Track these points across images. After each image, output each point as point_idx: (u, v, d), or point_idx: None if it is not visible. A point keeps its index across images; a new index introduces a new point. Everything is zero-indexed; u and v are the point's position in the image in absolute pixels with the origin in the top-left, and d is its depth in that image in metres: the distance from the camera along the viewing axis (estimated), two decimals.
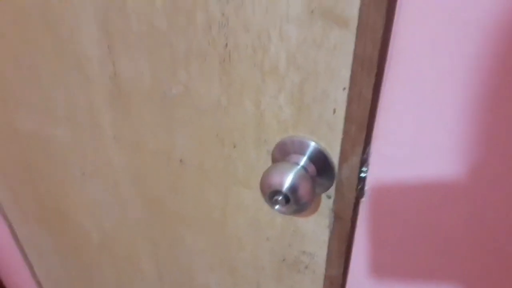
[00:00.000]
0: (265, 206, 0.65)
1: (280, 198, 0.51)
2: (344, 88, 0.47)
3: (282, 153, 0.57)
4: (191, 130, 0.65)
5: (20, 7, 0.68)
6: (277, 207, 0.52)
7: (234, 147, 0.62)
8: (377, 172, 0.52)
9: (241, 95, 0.56)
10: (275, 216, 0.65)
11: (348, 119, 0.49)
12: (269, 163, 0.59)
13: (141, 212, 0.84)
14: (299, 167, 0.52)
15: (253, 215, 0.68)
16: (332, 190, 0.56)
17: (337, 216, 0.58)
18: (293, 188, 0.50)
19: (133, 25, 0.58)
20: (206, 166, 0.67)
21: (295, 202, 0.50)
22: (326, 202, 0.58)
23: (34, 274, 1.27)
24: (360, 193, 0.54)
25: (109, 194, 0.87)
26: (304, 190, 0.51)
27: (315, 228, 0.62)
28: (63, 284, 1.24)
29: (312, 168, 0.54)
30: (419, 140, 0.47)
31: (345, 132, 0.50)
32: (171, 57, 0.58)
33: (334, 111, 0.50)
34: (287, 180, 0.51)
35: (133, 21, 0.58)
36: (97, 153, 0.81)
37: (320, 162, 0.54)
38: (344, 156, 0.52)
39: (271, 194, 0.52)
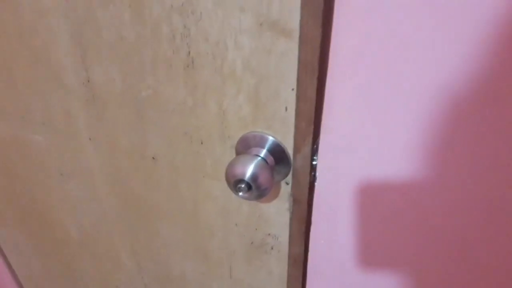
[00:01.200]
0: (233, 195, 0.72)
1: (243, 185, 0.58)
2: (293, 89, 0.55)
3: (244, 147, 0.64)
4: (161, 129, 0.71)
5: None
6: (241, 193, 0.59)
7: (202, 143, 0.69)
8: (326, 159, 0.60)
9: (204, 96, 0.62)
10: (242, 204, 0.72)
11: (298, 115, 0.57)
12: (233, 156, 0.67)
13: (118, 208, 0.90)
14: (259, 158, 0.60)
15: (222, 204, 0.75)
16: (289, 177, 0.64)
17: (295, 200, 0.66)
18: (254, 176, 0.58)
19: (104, 36, 0.64)
20: (177, 162, 0.74)
21: (256, 188, 0.58)
22: (285, 188, 0.66)
23: (14, 275, 1.31)
24: (313, 178, 0.62)
25: (87, 193, 0.92)
26: (263, 178, 0.58)
27: (277, 212, 0.70)
28: (44, 283, 1.28)
29: (270, 159, 0.62)
30: (358, 132, 0.55)
31: (297, 126, 0.58)
32: (140, 64, 0.65)
33: (286, 109, 0.57)
34: (249, 170, 0.58)
35: (104, 33, 0.64)
36: (74, 154, 0.86)
37: (277, 153, 0.62)
38: (297, 147, 0.60)
39: (235, 183, 0.59)
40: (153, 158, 0.76)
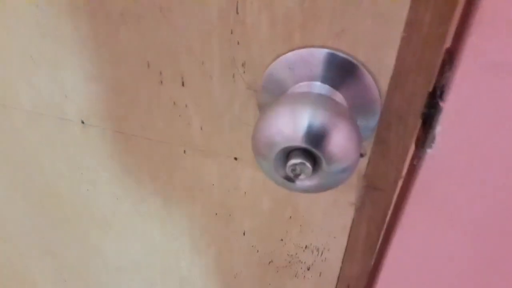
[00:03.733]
0: (241, 183, 0.39)
1: (299, 161, 0.25)
2: None
3: (281, 83, 0.31)
4: (96, 58, 0.36)
5: None
6: (300, 180, 0.26)
7: (183, 84, 0.35)
8: (459, 100, 0.29)
9: None
10: (260, 198, 0.40)
11: None
12: (253, 104, 0.33)
13: (25, 211, 0.53)
14: (328, 97, 0.27)
15: (219, 199, 0.42)
16: (368, 143, 0.32)
17: (371, 187, 0.35)
18: (323, 134, 0.25)
19: None
20: (130, 127, 0.39)
21: (334, 163, 0.25)
22: None
23: None
24: (422, 144, 0.31)
25: None
26: (343, 134, 0.26)
27: (328, 208, 0.38)
28: None
29: (347, 100, 0.30)
30: None
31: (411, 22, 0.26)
32: None
33: None
34: (309, 122, 0.25)
35: None
36: None
37: (355, 90, 0.30)
38: (400, 71, 0.28)
39: (280, 157, 0.26)
40: (82, 122, 0.41)
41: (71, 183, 0.47)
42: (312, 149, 0.25)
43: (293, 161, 0.26)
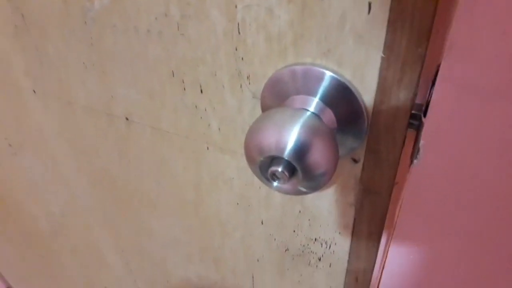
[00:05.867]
0: (256, 179, 0.44)
1: (279, 169, 0.29)
2: None
3: (278, 95, 0.34)
4: (131, 68, 0.42)
5: None
6: (276, 184, 0.30)
7: (201, 91, 0.39)
8: (438, 117, 0.30)
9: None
10: (271, 192, 0.44)
11: (393, 20, 0.27)
12: (258, 111, 0.37)
13: (89, 191, 0.63)
14: (308, 113, 0.30)
15: (239, 191, 0.46)
16: (361, 151, 0.35)
17: (367, 190, 0.37)
18: (302, 149, 0.29)
19: None
20: (164, 125, 0.45)
21: (306, 173, 0.29)
22: (351, 169, 0.37)
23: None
24: (412, 155, 0.33)
25: (47, 170, 0.65)
26: (321, 151, 0.29)
27: (332, 207, 0.41)
28: (28, 277, 1.04)
29: (329, 115, 0.32)
30: None
31: (389, 43, 0.28)
32: None
33: (369, 7, 0.27)
34: (291, 137, 0.29)
35: None
36: (20, 115, 0.58)
37: (341, 105, 0.32)
38: (384, 90, 0.30)
39: (264, 164, 0.30)
40: (126, 119, 0.48)
41: (121, 169, 0.55)
42: (290, 161, 0.29)
43: (274, 168, 0.29)
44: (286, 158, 0.29)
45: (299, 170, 0.29)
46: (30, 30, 0.46)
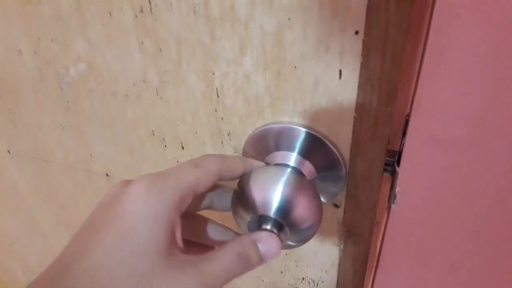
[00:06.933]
0: None
1: (268, 227, 0.31)
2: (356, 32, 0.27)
3: (258, 151, 0.36)
4: (110, 128, 0.42)
5: None
6: None
7: (182, 148, 0.40)
8: (410, 166, 0.33)
9: (181, 60, 0.34)
10: None
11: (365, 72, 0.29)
12: None
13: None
14: (288, 169, 0.32)
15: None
16: (341, 196, 0.37)
17: (350, 232, 0.39)
18: (288, 207, 0.30)
19: None
20: None
21: (293, 229, 0.30)
22: (333, 213, 0.38)
23: None
24: (390, 197, 0.35)
25: (23, 226, 0.63)
26: (308, 207, 0.30)
27: (319, 248, 0.42)
28: None
29: (308, 167, 0.34)
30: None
31: (363, 84, 0.30)
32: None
33: (340, 74, 0.29)
34: (276, 196, 0.30)
35: None
36: None
37: (320, 157, 0.34)
38: (357, 141, 0.32)
39: (252, 222, 0.32)
40: (106, 175, 0.48)
41: None
42: (277, 219, 0.30)
43: (263, 226, 0.31)
44: (273, 217, 0.30)
45: (286, 226, 0.30)
46: (2, 95, 0.45)
